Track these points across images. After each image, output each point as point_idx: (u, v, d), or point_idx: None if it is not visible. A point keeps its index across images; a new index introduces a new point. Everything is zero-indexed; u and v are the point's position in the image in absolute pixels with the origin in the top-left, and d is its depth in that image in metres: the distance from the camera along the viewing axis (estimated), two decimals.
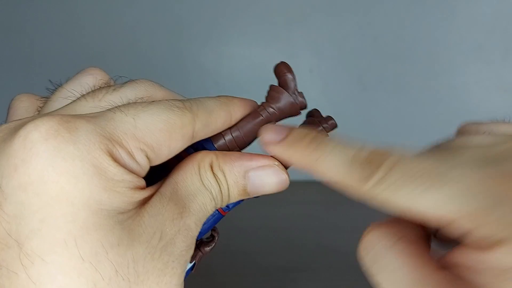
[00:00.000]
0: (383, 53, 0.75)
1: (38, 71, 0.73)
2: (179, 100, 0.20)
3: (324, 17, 0.69)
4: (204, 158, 0.21)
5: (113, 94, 0.20)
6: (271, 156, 0.21)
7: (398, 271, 0.16)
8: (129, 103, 0.19)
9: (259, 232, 0.55)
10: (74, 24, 0.70)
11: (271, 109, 0.22)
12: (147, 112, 0.18)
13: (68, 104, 0.19)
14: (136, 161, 0.17)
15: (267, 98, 0.22)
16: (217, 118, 0.20)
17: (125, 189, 0.17)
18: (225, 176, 0.21)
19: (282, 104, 0.22)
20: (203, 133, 0.20)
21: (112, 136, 0.17)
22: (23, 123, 0.16)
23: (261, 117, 0.21)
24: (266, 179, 0.21)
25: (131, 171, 0.17)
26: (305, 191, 0.47)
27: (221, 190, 0.20)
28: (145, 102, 0.19)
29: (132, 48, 0.72)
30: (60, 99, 0.21)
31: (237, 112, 0.21)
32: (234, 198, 0.21)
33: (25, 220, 0.15)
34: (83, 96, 0.20)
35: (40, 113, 0.22)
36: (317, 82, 0.71)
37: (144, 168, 0.18)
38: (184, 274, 0.18)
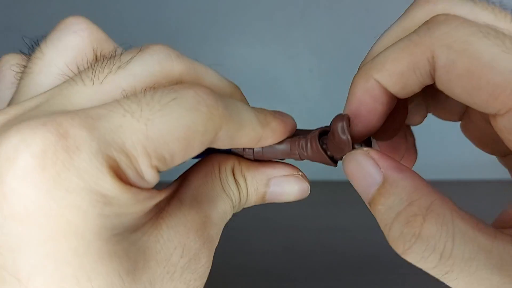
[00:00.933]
0: None
1: None
2: (211, 92, 0.16)
3: (324, 17, 0.68)
4: (226, 161, 0.19)
5: (119, 73, 0.16)
6: (293, 165, 0.20)
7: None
8: (144, 95, 0.15)
9: (259, 232, 0.55)
10: None
11: (304, 155, 0.19)
12: (166, 115, 0.14)
13: (60, 89, 0.16)
14: (145, 180, 0.15)
15: (319, 134, 0.19)
16: (244, 136, 0.17)
17: (137, 206, 0.15)
18: (246, 183, 0.19)
19: (319, 157, 0.19)
20: (221, 144, 0.17)
21: (119, 154, 0.14)
22: (2, 128, 0.13)
23: (289, 153, 0.19)
24: (288, 188, 0.20)
25: (140, 188, 0.15)
26: None
27: (240, 197, 0.19)
28: (166, 92, 0.15)
29: (132, 47, 0.72)
30: (46, 73, 0.17)
31: (268, 139, 0.18)
32: (250, 204, 0.20)
33: (24, 255, 0.13)
34: (79, 76, 0.16)
35: (17, 96, 0.17)
36: (317, 82, 0.71)
37: (154, 182, 0.15)
38: None
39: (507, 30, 0.17)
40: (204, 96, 0.15)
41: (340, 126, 0.18)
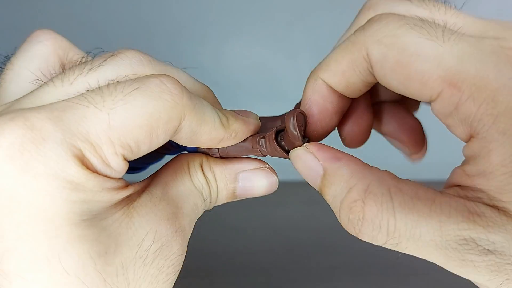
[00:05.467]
0: None
1: None
2: (176, 82, 0.16)
3: (324, 17, 0.68)
4: (194, 158, 0.20)
5: (89, 75, 0.16)
6: (260, 159, 0.21)
7: None
8: (107, 87, 0.15)
9: (259, 232, 0.55)
10: (72, 23, 0.70)
11: (264, 151, 0.20)
12: (128, 103, 0.15)
13: (32, 92, 0.16)
14: (111, 167, 0.15)
15: (276, 131, 0.20)
16: (205, 134, 0.17)
17: (105, 195, 0.15)
18: (215, 177, 0.20)
19: (277, 153, 0.20)
20: (184, 137, 0.17)
21: (84, 144, 0.15)
22: None
23: (251, 149, 0.20)
24: (256, 182, 0.20)
25: (108, 177, 0.15)
26: (305, 191, 0.47)
27: (210, 192, 0.20)
28: (129, 83, 0.15)
29: (131, 47, 0.72)
30: (17, 81, 0.18)
31: (230, 140, 0.19)
32: (221, 201, 0.20)
33: None
34: (50, 80, 0.17)
35: None
36: None
37: (122, 170, 0.16)
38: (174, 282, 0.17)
39: (442, 21, 0.17)
40: (168, 85, 0.16)
41: (291, 121, 0.19)
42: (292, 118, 0.19)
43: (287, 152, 0.20)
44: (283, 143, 0.20)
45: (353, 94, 0.20)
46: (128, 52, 0.18)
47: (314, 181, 0.19)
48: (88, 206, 0.15)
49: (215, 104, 0.20)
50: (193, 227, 0.18)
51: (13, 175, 0.14)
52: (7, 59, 0.19)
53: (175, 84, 0.16)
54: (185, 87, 0.16)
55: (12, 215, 0.14)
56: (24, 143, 0.14)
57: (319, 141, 0.21)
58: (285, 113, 0.21)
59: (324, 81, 0.20)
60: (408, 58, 0.16)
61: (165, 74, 0.16)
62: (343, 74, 0.19)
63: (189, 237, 0.18)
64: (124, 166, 0.16)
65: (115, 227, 0.16)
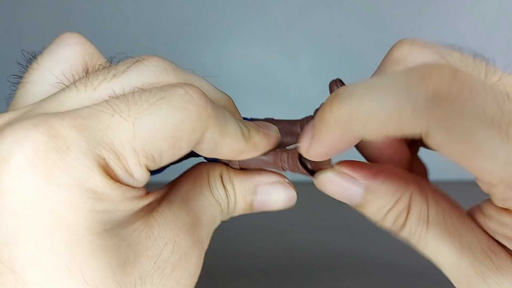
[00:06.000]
0: (383, 53, 0.75)
1: None
2: (201, 92, 0.16)
3: (324, 17, 0.68)
4: (214, 168, 0.19)
5: (113, 81, 0.16)
6: (279, 173, 0.20)
7: None
8: (133, 95, 0.15)
9: (259, 232, 0.55)
10: (71, 23, 0.69)
11: (286, 167, 0.20)
12: (153, 114, 0.15)
13: (54, 95, 0.16)
14: (134, 178, 0.15)
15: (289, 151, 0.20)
16: (226, 145, 0.17)
17: (127, 204, 0.15)
18: (234, 189, 0.19)
19: (299, 171, 0.20)
20: (205, 148, 0.17)
21: (108, 153, 0.14)
22: None
23: (272, 163, 0.20)
24: (275, 195, 0.20)
25: (131, 186, 0.15)
26: (305, 191, 0.47)
27: (228, 203, 0.19)
28: (154, 92, 0.15)
29: (131, 48, 0.72)
30: (41, 83, 0.18)
31: (250, 152, 0.18)
32: (238, 213, 0.20)
33: (19, 247, 0.14)
34: (73, 83, 0.16)
35: (13, 104, 0.18)
36: (317, 82, 0.71)
37: (144, 180, 0.16)
38: None
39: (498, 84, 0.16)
40: (193, 95, 0.15)
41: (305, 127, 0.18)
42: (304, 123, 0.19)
43: (309, 170, 0.20)
44: (306, 162, 0.20)
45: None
46: (152, 59, 0.17)
47: (351, 200, 0.19)
48: (111, 216, 0.15)
49: (235, 113, 0.20)
50: (210, 238, 0.18)
51: (36, 184, 0.13)
52: (34, 57, 0.18)
53: (200, 94, 0.16)
54: (209, 98, 0.16)
55: (34, 224, 0.14)
56: (48, 151, 0.13)
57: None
58: (306, 118, 0.21)
59: (358, 135, 0.16)
60: (475, 155, 0.14)
61: (189, 84, 0.16)
62: (387, 137, 0.16)
63: (206, 249, 0.18)
64: (147, 176, 0.15)
65: (135, 236, 0.15)
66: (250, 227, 0.55)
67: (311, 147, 0.17)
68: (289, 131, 0.21)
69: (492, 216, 0.17)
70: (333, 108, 0.15)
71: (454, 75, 0.14)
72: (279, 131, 0.21)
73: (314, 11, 0.68)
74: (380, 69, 0.19)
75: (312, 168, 0.20)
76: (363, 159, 0.20)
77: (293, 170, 0.20)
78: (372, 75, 0.19)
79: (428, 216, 0.18)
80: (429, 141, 0.14)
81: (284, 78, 0.69)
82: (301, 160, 0.19)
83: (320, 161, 0.19)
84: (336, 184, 0.19)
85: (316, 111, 0.22)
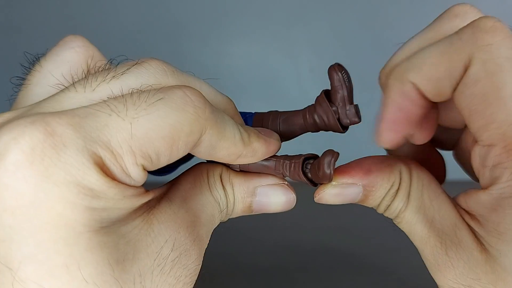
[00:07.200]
0: (383, 53, 0.75)
1: None
2: (199, 94, 0.16)
3: (324, 16, 0.68)
4: (214, 168, 0.19)
5: (112, 82, 0.16)
6: (279, 176, 0.20)
7: None
8: (131, 96, 0.15)
9: (259, 232, 0.55)
10: (71, 23, 0.69)
11: (287, 174, 0.20)
12: (151, 114, 0.15)
13: (53, 96, 0.16)
14: (131, 177, 0.15)
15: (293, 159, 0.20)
16: (224, 149, 0.17)
17: (125, 202, 0.15)
18: (233, 189, 0.19)
19: (299, 179, 0.20)
20: (202, 151, 0.17)
21: (105, 151, 0.14)
22: None
23: (273, 169, 0.20)
24: (274, 197, 0.20)
25: (128, 185, 0.15)
26: (305, 191, 0.47)
27: (227, 203, 0.19)
28: (152, 93, 0.15)
29: (131, 48, 0.72)
30: (43, 84, 0.18)
31: (248, 157, 0.18)
32: (237, 214, 0.20)
33: (16, 245, 0.13)
34: (72, 84, 0.16)
35: (15, 105, 0.18)
36: (317, 82, 0.71)
37: (141, 179, 0.16)
38: None
39: None
40: (192, 97, 0.15)
41: (327, 160, 0.19)
42: (330, 158, 0.19)
43: (310, 180, 0.20)
44: (307, 170, 0.20)
45: (438, 100, 0.18)
46: (151, 61, 0.17)
47: (352, 201, 0.20)
48: (108, 213, 0.15)
49: (236, 116, 0.20)
50: (209, 237, 0.18)
51: (33, 180, 0.13)
52: (37, 59, 0.18)
53: (199, 96, 0.16)
54: (208, 100, 0.16)
55: (31, 221, 0.13)
56: (45, 148, 0.13)
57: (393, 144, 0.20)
58: (308, 107, 0.21)
59: (415, 85, 0.18)
60: (494, 99, 0.16)
61: (188, 86, 0.16)
62: (438, 81, 0.17)
63: (206, 247, 0.18)
64: (144, 176, 0.15)
65: (134, 233, 0.15)
66: (250, 227, 0.55)
67: (383, 128, 0.19)
68: (292, 122, 0.21)
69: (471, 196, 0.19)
70: (387, 65, 0.19)
71: (498, 20, 0.17)
72: (283, 122, 0.21)
73: (314, 11, 0.69)
74: (435, 23, 0.20)
75: (312, 178, 0.20)
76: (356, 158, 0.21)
77: (293, 178, 0.20)
78: (426, 28, 0.20)
79: (409, 193, 0.20)
80: (465, 77, 0.16)
81: (284, 78, 0.69)
82: (304, 170, 0.20)
83: (322, 178, 0.19)
84: (338, 196, 0.20)
85: (324, 91, 0.22)
